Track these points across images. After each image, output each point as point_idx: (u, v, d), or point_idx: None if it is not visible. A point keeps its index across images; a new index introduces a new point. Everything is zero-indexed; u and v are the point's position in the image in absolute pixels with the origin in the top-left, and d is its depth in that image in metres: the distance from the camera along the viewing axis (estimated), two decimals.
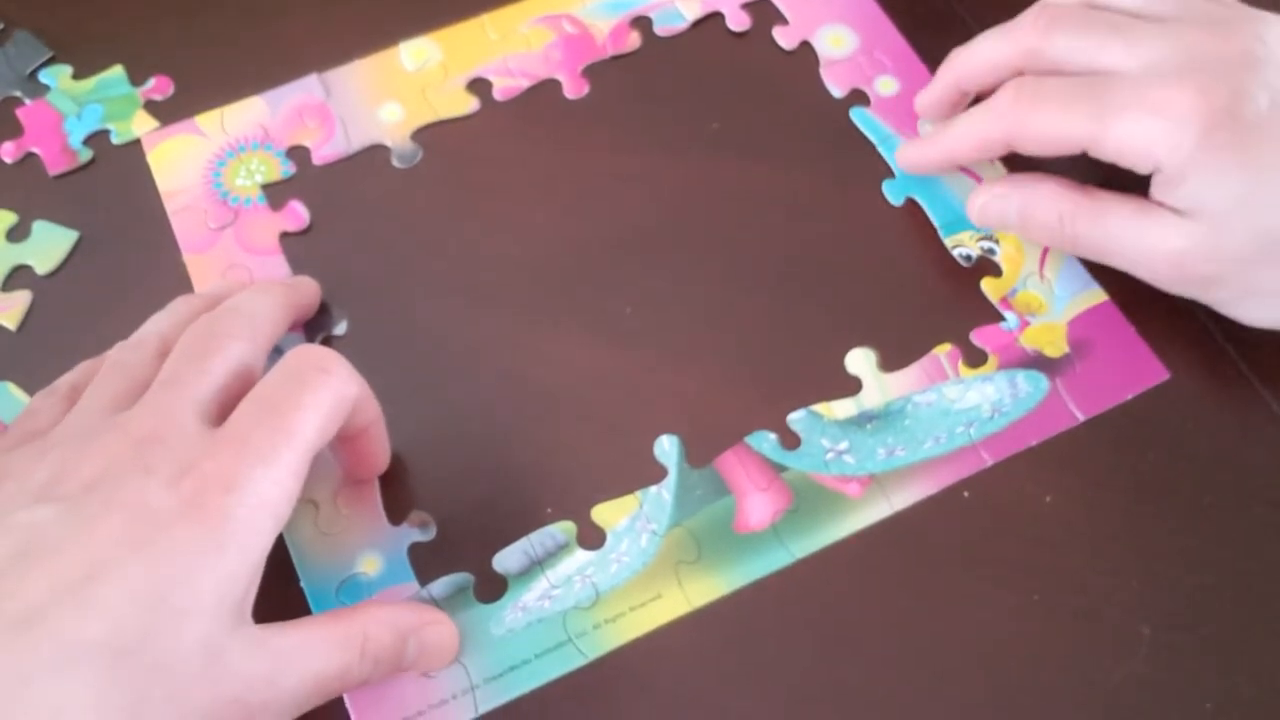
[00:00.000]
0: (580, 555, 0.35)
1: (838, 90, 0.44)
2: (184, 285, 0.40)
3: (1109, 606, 0.34)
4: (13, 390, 0.38)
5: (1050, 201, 0.37)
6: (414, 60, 0.45)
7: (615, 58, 0.45)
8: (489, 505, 0.36)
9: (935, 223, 0.41)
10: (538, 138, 0.43)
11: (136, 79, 0.45)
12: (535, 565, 0.35)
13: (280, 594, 0.34)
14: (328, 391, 0.31)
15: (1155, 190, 0.34)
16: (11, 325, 0.39)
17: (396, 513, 0.36)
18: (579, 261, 0.41)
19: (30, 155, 0.43)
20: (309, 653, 0.29)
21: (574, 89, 0.44)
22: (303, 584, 0.34)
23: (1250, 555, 0.35)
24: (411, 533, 0.35)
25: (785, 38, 0.45)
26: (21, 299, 0.40)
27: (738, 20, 0.46)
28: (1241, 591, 0.35)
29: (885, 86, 0.44)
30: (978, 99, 0.39)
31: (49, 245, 0.41)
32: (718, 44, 0.45)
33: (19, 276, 0.40)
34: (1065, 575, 0.35)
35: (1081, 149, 0.35)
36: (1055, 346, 0.38)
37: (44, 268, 0.40)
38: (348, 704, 0.33)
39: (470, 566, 0.35)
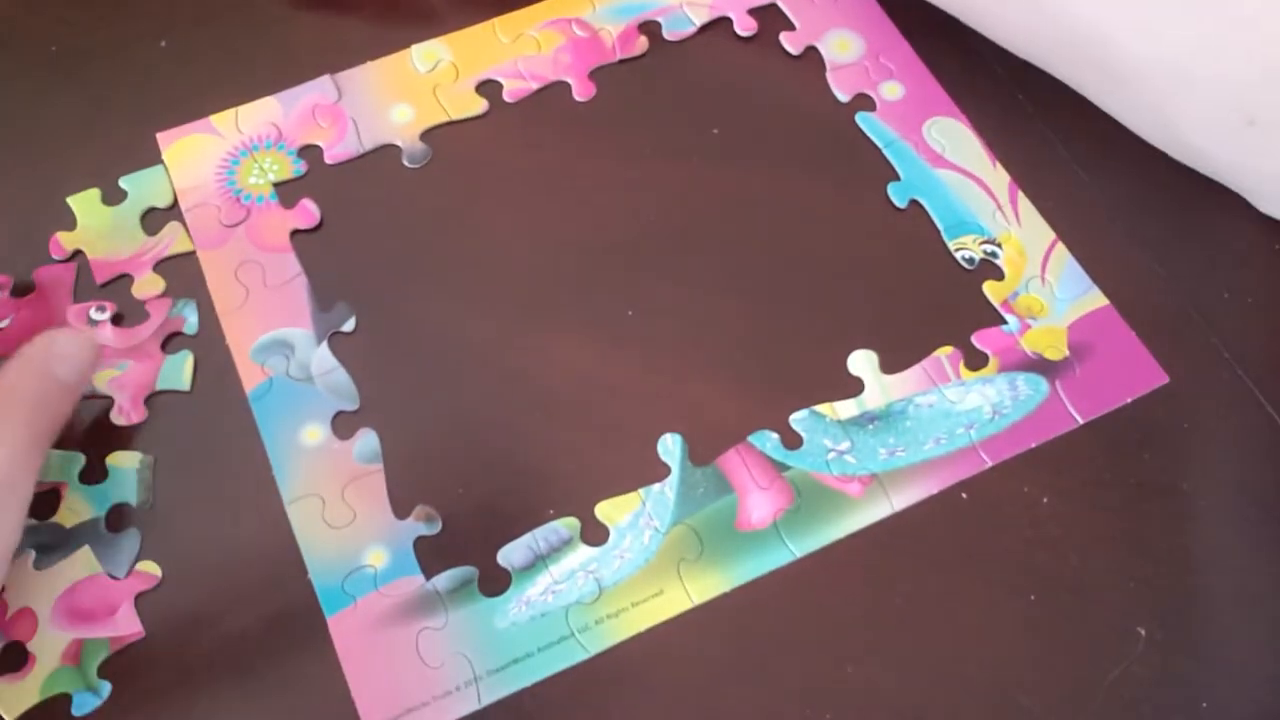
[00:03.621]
0: (584, 551, 0.36)
1: (843, 95, 0.45)
2: (198, 281, 0.40)
3: (1106, 608, 0.35)
4: None
5: None
6: (425, 62, 0.45)
7: (623, 61, 0.46)
8: (493, 501, 0.36)
9: (939, 225, 0.41)
10: (546, 140, 0.44)
11: None
12: (539, 560, 0.35)
13: (289, 585, 0.35)
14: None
15: None
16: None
17: (402, 507, 0.36)
18: (585, 262, 0.41)
19: None
20: None
21: (582, 91, 0.45)
22: (310, 576, 0.35)
23: (1246, 558, 0.36)
24: (417, 527, 0.36)
25: (792, 43, 0.46)
26: None
27: (745, 25, 0.46)
28: (1237, 593, 0.35)
29: (890, 91, 0.44)
30: None
31: None
32: (725, 48, 0.46)
33: None
34: (1062, 576, 0.35)
35: None
36: (1056, 350, 0.39)
37: None
38: (353, 695, 0.33)
39: (475, 560, 0.35)
